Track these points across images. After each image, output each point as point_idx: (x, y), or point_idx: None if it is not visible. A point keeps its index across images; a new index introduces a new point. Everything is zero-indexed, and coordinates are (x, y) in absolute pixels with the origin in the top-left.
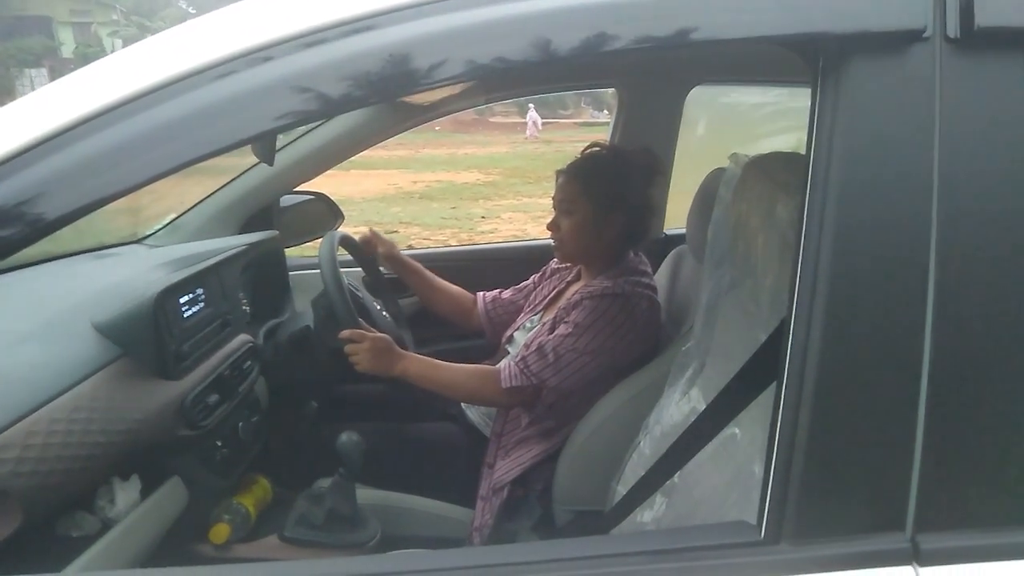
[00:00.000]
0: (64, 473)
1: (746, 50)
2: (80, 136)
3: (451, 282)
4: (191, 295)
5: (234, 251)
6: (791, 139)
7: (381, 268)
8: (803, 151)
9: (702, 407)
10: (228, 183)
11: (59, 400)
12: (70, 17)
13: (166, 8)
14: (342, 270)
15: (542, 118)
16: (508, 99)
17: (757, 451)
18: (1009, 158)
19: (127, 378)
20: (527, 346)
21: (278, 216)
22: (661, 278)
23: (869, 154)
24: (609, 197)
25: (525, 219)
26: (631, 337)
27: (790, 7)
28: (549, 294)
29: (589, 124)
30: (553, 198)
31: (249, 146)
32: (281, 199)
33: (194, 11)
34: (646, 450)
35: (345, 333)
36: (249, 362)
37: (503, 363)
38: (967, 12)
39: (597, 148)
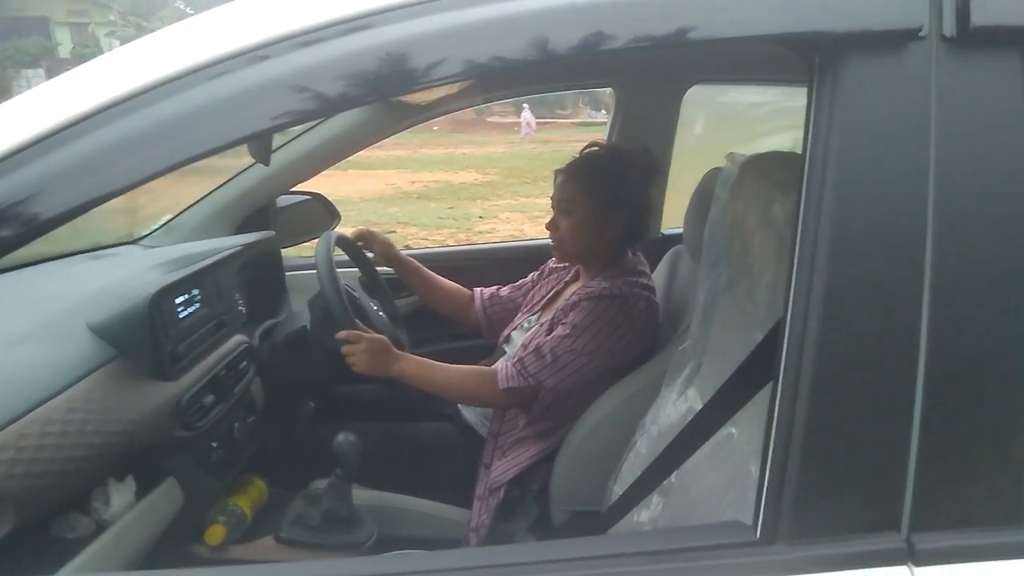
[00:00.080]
0: (58, 474)
1: (743, 49)
2: (76, 135)
3: None
4: (187, 296)
5: (230, 251)
6: (788, 138)
7: (378, 268)
8: (800, 150)
9: (699, 407)
10: (224, 183)
11: (54, 401)
12: (67, 17)
13: (163, 8)
14: (338, 270)
15: (540, 118)
16: (506, 99)
17: (754, 451)
18: (1005, 157)
19: (122, 379)
20: (524, 347)
21: (274, 216)
22: (658, 278)
23: (865, 153)
24: (609, 196)
25: (523, 219)
26: (629, 338)
27: (786, 6)
28: (547, 294)
29: (587, 124)
30: (552, 198)
31: (245, 146)
32: (277, 199)
33: (191, 11)
34: (643, 450)
35: (342, 334)
36: (245, 363)
37: (500, 364)
38: (963, 11)
39: (596, 148)
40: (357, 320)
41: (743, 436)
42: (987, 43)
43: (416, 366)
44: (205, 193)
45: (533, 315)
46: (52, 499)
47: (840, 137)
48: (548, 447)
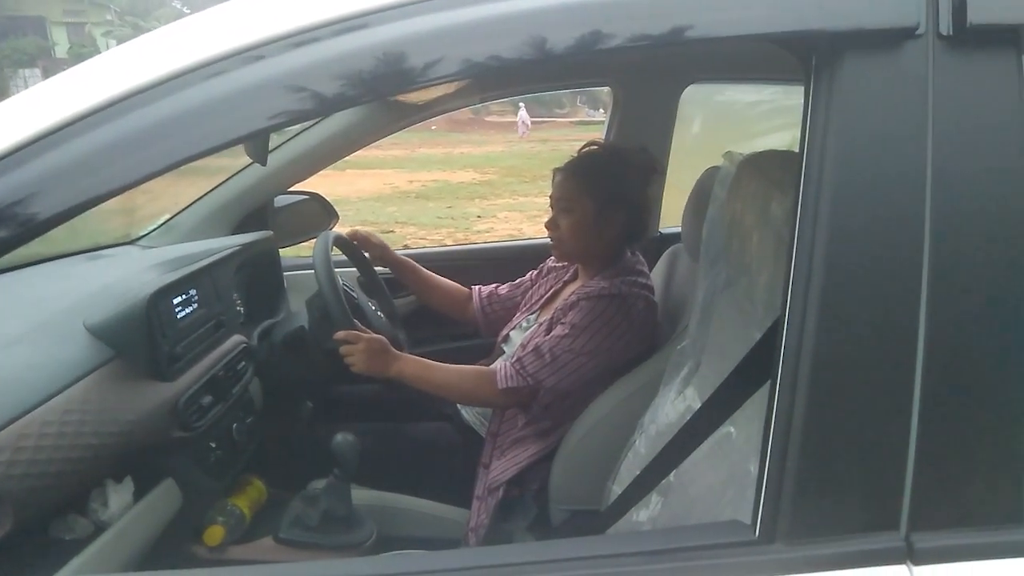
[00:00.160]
0: (56, 476)
1: (740, 48)
2: (73, 135)
3: None
4: (184, 296)
5: (228, 251)
6: (785, 137)
7: (376, 268)
8: (797, 149)
9: (697, 406)
10: (222, 183)
11: (51, 402)
12: (64, 17)
13: (160, 8)
14: (337, 270)
15: (538, 117)
16: (503, 98)
17: (752, 450)
18: (1002, 155)
19: (120, 380)
20: (523, 346)
21: (272, 216)
22: (657, 277)
23: (862, 152)
24: (609, 195)
25: (521, 218)
26: (628, 338)
27: (783, 5)
28: (546, 293)
29: (585, 123)
30: (551, 197)
31: (242, 146)
32: (275, 199)
33: (188, 11)
34: (641, 449)
35: (340, 334)
36: (243, 363)
37: (498, 364)
38: (960, 10)
39: (594, 147)
40: (355, 320)
41: (742, 435)
42: (984, 42)
43: (415, 366)
44: (203, 193)
45: (532, 314)
46: (50, 500)
47: (837, 135)
48: (547, 447)
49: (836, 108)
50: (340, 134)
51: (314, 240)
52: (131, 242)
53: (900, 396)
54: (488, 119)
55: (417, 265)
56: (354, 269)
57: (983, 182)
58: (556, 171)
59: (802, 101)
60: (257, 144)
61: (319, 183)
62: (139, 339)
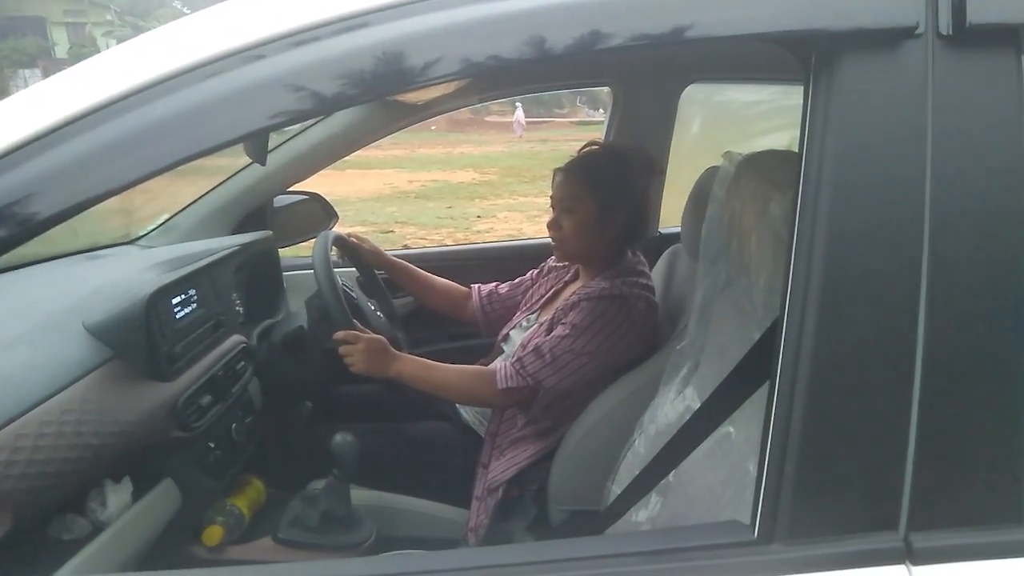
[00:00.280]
0: (54, 476)
1: (740, 48)
2: (71, 134)
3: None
4: (184, 296)
5: (227, 251)
6: (785, 137)
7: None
8: (796, 149)
9: (697, 406)
10: (222, 183)
11: (50, 402)
12: (64, 17)
13: (160, 8)
14: (336, 270)
15: (537, 117)
16: (503, 98)
17: (752, 450)
18: (1001, 155)
19: (119, 380)
20: (523, 346)
21: (272, 216)
22: (656, 277)
23: (862, 151)
24: (611, 195)
25: (521, 218)
26: (629, 338)
27: (783, 4)
28: (546, 293)
29: (584, 123)
30: (552, 197)
31: (242, 146)
32: (275, 199)
33: (188, 11)
34: (641, 449)
35: (339, 334)
36: (243, 363)
37: (498, 364)
38: (959, 9)
39: (594, 147)
40: (355, 320)
41: (741, 435)
42: (983, 41)
43: (414, 366)
44: (202, 193)
45: (532, 314)
46: (49, 501)
47: (836, 135)
48: (546, 447)
49: (835, 108)
50: (340, 134)
51: (313, 240)
52: (130, 242)
53: (899, 396)
54: (488, 119)
55: (412, 266)
56: (353, 269)
57: (982, 181)
58: (556, 171)
59: (801, 101)
60: (256, 144)
61: (319, 183)
62: (138, 339)
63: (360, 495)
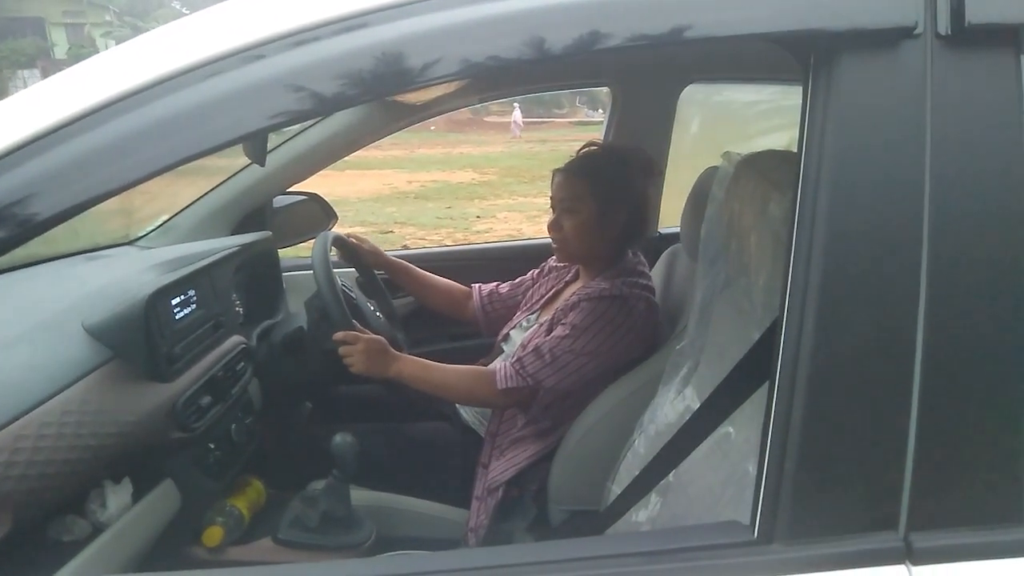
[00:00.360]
0: (54, 477)
1: (739, 48)
2: (71, 135)
3: None
4: (183, 297)
5: (227, 252)
6: (784, 137)
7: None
8: (795, 149)
9: (696, 406)
10: (221, 184)
11: (49, 403)
12: (63, 18)
13: (159, 9)
14: (335, 271)
15: (537, 117)
16: (502, 98)
17: (751, 450)
18: (1000, 155)
19: (118, 381)
20: (523, 347)
21: (271, 217)
22: (656, 277)
23: (860, 151)
24: (612, 195)
25: (521, 218)
26: (629, 339)
27: (782, 5)
28: (546, 293)
29: (584, 123)
30: (552, 198)
31: (241, 146)
32: (274, 200)
33: (187, 12)
34: (641, 449)
35: (339, 334)
36: (242, 363)
37: (498, 364)
38: (958, 9)
39: (594, 147)
40: (354, 321)
41: (740, 435)
42: (982, 41)
43: (414, 366)
44: (201, 193)
45: (532, 314)
46: (48, 502)
47: (835, 135)
48: (546, 447)
49: (834, 108)
50: (340, 134)
51: (313, 241)
52: (130, 243)
53: (899, 396)
54: (487, 119)
55: (411, 266)
56: (353, 269)
57: (981, 181)
58: (556, 172)
59: (800, 101)
60: (255, 144)
61: (318, 183)
62: (137, 340)
63: (360, 495)
